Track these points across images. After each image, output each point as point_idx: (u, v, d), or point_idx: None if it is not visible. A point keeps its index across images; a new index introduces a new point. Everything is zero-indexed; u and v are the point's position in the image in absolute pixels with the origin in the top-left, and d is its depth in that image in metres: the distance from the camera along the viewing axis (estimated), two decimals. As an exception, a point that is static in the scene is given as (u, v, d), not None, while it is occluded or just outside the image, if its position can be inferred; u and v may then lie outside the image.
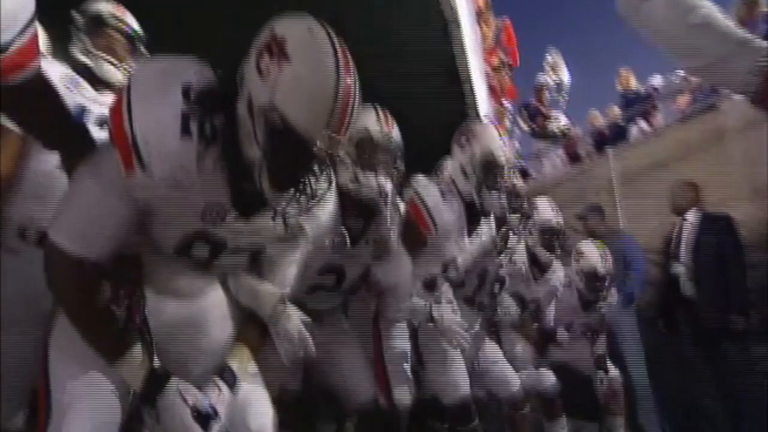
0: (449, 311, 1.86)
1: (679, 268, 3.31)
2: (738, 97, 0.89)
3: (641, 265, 3.70)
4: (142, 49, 1.77)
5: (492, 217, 2.19)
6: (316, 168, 1.06)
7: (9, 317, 1.29)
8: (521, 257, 2.66)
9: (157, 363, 1.06)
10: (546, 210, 2.78)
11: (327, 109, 0.97)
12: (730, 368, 2.80)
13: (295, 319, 1.27)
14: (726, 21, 0.89)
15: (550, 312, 2.95)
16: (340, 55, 1.00)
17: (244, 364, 1.20)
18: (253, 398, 1.22)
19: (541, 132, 6.42)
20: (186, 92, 0.97)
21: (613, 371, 2.99)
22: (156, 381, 1.04)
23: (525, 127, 6.59)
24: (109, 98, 1.65)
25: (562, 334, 2.94)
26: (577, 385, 3.01)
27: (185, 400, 1.03)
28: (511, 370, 2.38)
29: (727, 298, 2.96)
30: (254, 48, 1.03)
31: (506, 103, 7.70)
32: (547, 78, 6.73)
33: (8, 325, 1.28)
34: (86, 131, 1.19)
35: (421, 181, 2.05)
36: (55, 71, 1.58)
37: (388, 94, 3.77)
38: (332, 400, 1.79)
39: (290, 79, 0.96)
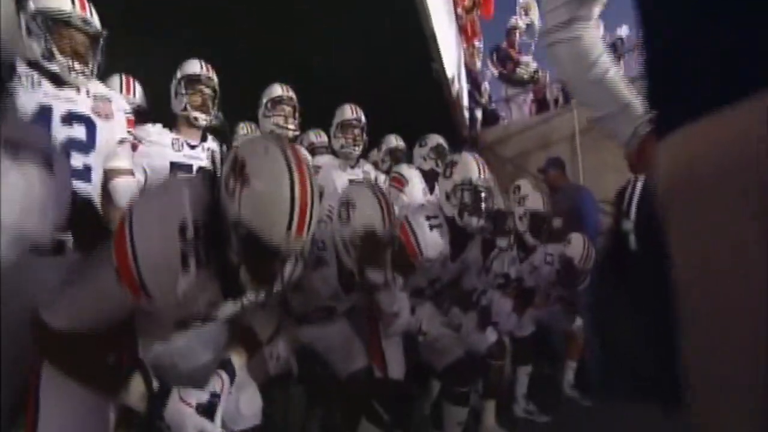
0: (437, 324, 2.18)
1: (628, 225, 3.64)
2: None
3: (595, 220, 4.03)
4: (101, 42, 1.79)
5: (478, 239, 2.45)
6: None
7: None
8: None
9: (155, 386, 1.19)
10: (536, 199, 3.04)
11: (285, 219, 1.11)
12: (665, 319, 3.19)
13: (284, 347, 1.54)
14: (618, 79, 0.94)
15: (531, 280, 3.24)
16: (294, 168, 1.14)
17: (239, 360, 1.41)
18: (243, 387, 1.44)
19: (510, 77, 6.52)
20: (182, 230, 1.11)
21: (578, 320, 3.41)
22: (157, 398, 1.18)
23: (494, 71, 6.66)
24: (70, 93, 1.72)
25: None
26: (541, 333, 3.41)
27: (188, 403, 1.20)
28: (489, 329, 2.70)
29: (662, 253, 3.32)
30: (224, 171, 1.18)
31: (477, 43, 7.70)
32: (519, 20, 6.73)
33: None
34: (94, 211, 1.29)
35: (412, 209, 2.31)
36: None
37: (351, 51, 3.85)
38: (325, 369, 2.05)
39: (250, 196, 1.11)
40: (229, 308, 1.34)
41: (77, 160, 1.71)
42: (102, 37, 1.79)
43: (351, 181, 2.95)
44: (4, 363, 1.25)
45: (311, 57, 3.94)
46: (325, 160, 3.08)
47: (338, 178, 2.93)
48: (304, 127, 3.54)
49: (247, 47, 3.95)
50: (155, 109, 2.70)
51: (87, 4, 1.77)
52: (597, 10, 0.97)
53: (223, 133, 2.83)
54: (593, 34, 0.95)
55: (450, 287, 2.47)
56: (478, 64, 7.50)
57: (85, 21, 1.73)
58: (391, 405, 1.97)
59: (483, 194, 2.24)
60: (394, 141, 3.67)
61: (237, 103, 2.91)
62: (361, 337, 2.09)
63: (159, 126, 2.24)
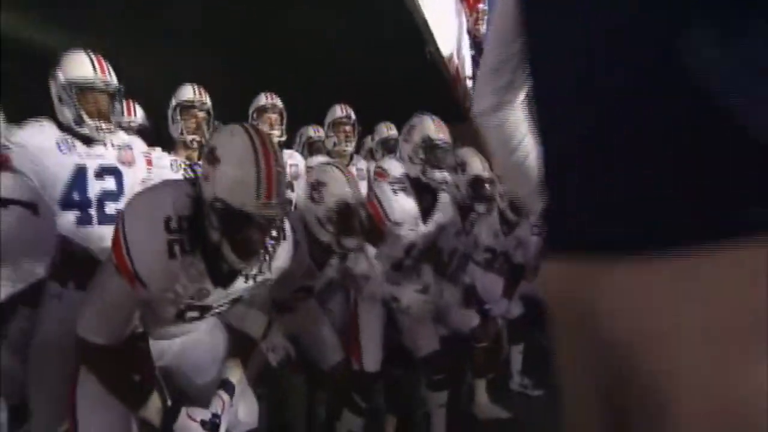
0: (411, 292, 2.33)
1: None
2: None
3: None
4: (119, 97, 2.02)
5: (448, 199, 2.60)
6: (268, 233, 1.41)
7: (48, 356, 1.66)
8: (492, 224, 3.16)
9: (169, 403, 1.45)
10: (476, 165, 3.05)
11: (253, 186, 1.29)
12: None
13: (279, 336, 1.78)
14: (533, 164, 1.00)
15: (518, 255, 3.43)
16: (257, 142, 1.33)
17: (237, 374, 1.63)
18: (242, 396, 1.66)
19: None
20: (167, 223, 1.32)
21: None
22: (169, 414, 1.43)
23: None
24: (99, 150, 1.97)
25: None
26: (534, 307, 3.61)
27: (194, 419, 1.44)
28: (470, 312, 2.89)
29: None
30: (201, 163, 1.38)
31: (482, 6, 7.62)
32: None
33: (46, 364, 1.65)
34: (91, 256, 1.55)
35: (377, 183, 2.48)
36: (52, 136, 1.89)
37: (347, 45, 3.97)
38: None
39: (222, 174, 1.31)
40: (220, 296, 1.53)
41: (110, 208, 1.94)
42: (120, 91, 2.01)
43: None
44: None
45: (310, 56, 4.08)
46: (319, 160, 3.27)
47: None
48: (305, 122, 3.75)
49: (248, 48, 4.11)
50: (158, 116, 2.93)
51: (105, 65, 1.97)
52: (523, 94, 1.04)
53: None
54: (518, 117, 1.02)
55: (428, 252, 2.59)
56: (484, 28, 7.43)
57: (106, 83, 1.95)
58: (370, 395, 2.22)
59: (443, 148, 2.42)
60: (386, 131, 3.76)
61: (238, 105, 3.11)
62: (341, 330, 2.32)
63: (158, 150, 2.47)
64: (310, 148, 3.74)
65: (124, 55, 2.45)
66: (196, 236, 1.37)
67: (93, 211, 1.92)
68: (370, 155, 3.82)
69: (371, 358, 2.32)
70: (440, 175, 2.41)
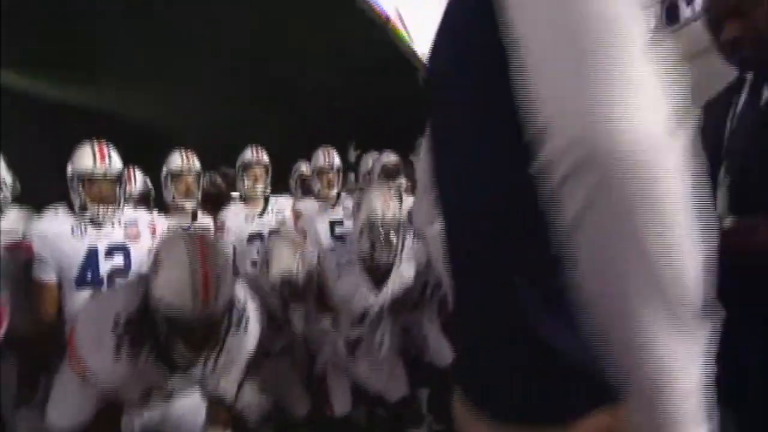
0: (363, 365, 2.51)
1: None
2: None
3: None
4: (123, 178, 2.33)
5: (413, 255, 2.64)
6: (215, 329, 1.51)
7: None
8: None
9: None
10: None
11: (189, 291, 1.38)
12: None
13: (253, 394, 2.07)
14: None
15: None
16: (193, 247, 1.43)
17: None
18: None
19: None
20: (116, 323, 1.46)
21: None
22: None
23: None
24: (107, 230, 2.27)
25: None
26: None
27: None
28: (447, 348, 2.97)
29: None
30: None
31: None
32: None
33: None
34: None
35: (326, 256, 2.69)
36: (66, 222, 2.21)
37: (338, 76, 4.17)
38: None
39: (161, 278, 1.42)
40: (182, 381, 1.66)
41: (118, 284, 2.20)
42: (121, 176, 2.30)
43: (331, 223, 3.42)
44: None
45: (305, 87, 4.34)
46: (307, 205, 3.55)
47: (320, 221, 3.39)
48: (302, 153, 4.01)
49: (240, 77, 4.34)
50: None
51: (105, 152, 2.25)
52: None
53: (218, 195, 3.37)
54: None
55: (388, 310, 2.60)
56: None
57: (105, 172, 2.23)
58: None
59: (389, 230, 2.37)
60: (371, 162, 4.03)
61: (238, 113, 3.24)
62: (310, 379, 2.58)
63: (154, 214, 2.79)
64: (303, 185, 4.02)
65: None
66: (148, 332, 1.49)
67: (104, 289, 2.22)
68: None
69: (341, 402, 2.56)
70: (388, 258, 2.40)
